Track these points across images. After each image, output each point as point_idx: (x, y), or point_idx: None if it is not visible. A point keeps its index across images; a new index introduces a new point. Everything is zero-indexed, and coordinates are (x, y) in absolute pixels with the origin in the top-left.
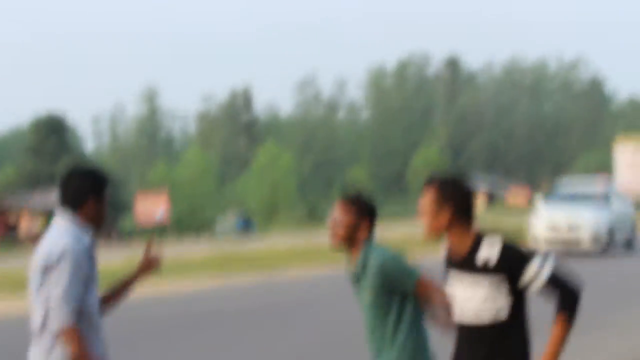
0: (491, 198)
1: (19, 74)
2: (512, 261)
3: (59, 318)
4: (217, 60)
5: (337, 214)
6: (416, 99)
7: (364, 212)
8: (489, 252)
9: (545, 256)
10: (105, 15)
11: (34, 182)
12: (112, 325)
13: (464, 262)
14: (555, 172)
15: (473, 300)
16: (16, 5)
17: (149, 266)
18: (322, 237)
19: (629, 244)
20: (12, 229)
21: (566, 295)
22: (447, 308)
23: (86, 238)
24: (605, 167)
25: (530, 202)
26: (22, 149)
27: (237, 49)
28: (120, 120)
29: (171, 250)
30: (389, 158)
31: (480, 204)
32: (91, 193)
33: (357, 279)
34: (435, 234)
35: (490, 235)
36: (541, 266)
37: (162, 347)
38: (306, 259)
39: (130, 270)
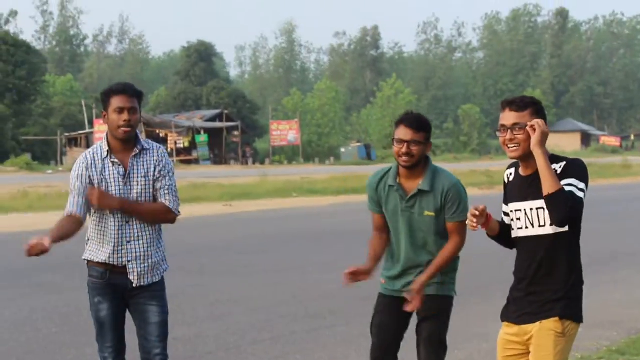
0: (586, 138)
1: (175, 4)
2: (568, 169)
3: None
4: (349, 0)
5: (409, 137)
6: (526, 44)
7: (429, 133)
8: (556, 166)
9: (584, 189)
10: None
11: (183, 102)
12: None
13: (535, 174)
14: None
15: (540, 212)
16: None
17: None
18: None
19: None
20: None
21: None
22: (457, 251)
23: (96, 148)
24: None
25: (622, 144)
26: (173, 72)
27: None
28: (261, 50)
29: (300, 171)
30: (498, 97)
31: (576, 143)
32: (103, 110)
33: (415, 194)
34: (524, 152)
35: (559, 156)
36: (575, 187)
37: (296, 252)
38: None
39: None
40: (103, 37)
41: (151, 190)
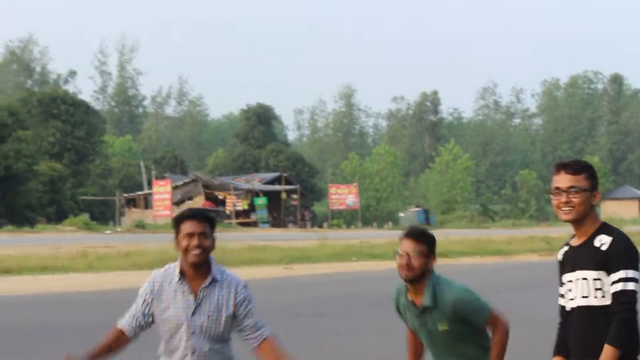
0: None
1: (233, 66)
2: (614, 255)
3: None
4: (407, 66)
5: (410, 249)
6: (583, 110)
7: (433, 246)
8: (604, 238)
9: (635, 276)
10: (310, 16)
11: (241, 165)
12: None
13: (584, 245)
14: None
15: (585, 283)
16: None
17: None
18: (492, 232)
19: None
20: (218, 206)
21: (623, 323)
22: (506, 336)
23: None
24: None
25: None
26: (232, 134)
27: (425, 57)
28: (319, 114)
29: (359, 235)
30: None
31: (634, 210)
32: (175, 236)
33: (423, 310)
34: (578, 215)
35: (613, 227)
36: (624, 280)
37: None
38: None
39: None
40: (161, 98)
41: (221, 324)
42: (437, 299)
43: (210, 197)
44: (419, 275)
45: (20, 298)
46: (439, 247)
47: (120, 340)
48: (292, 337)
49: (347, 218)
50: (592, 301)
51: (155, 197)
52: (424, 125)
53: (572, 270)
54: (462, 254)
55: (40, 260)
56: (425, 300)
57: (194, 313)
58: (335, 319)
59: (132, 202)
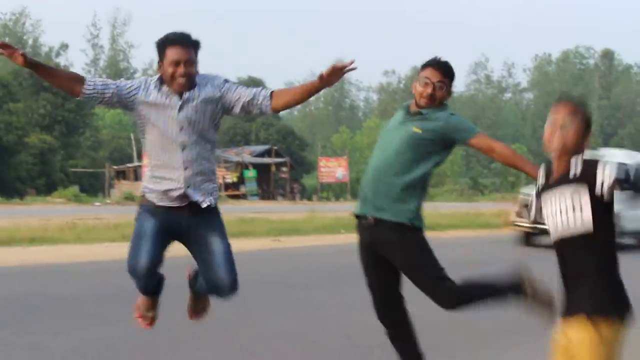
0: None
1: (224, 39)
2: (589, 169)
3: None
4: (399, 39)
5: (436, 78)
6: (574, 85)
7: (453, 81)
8: (576, 165)
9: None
10: None
11: (231, 137)
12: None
13: (561, 178)
14: None
15: (563, 212)
16: None
17: (333, 73)
18: (482, 205)
19: None
20: None
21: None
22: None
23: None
24: None
25: None
26: None
27: (416, 31)
28: None
29: (348, 208)
30: None
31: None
32: (158, 60)
33: (415, 114)
34: (566, 148)
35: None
36: (609, 169)
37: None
38: (465, 224)
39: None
40: (153, 71)
41: (207, 116)
42: (436, 111)
43: None
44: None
45: (8, 269)
46: (427, 220)
47: (71, 83)
48: (281, 308)
49: (337, 191)
50: None
51: (145, 170)
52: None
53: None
54: (451, 227)
55: (29, 231)
56: (425, 111)
57: (180, 109)
58: (324, 290)
59: (121, 175)
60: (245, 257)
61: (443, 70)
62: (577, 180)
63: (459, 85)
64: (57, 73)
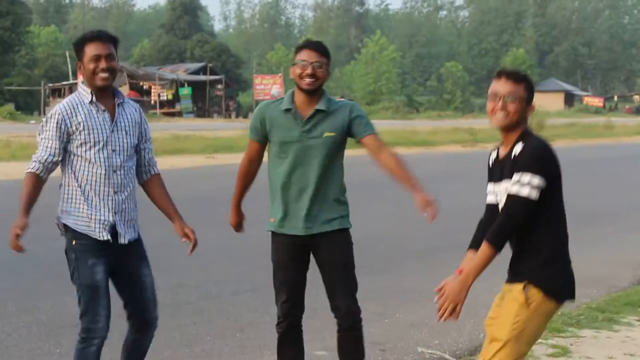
0: (569, 99)
1: None
2: (519, 159)
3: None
4: None
5: (313, 58)
6: (510, 3)
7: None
8: (519, 146)
9: (532, 180)
10: None
11: (167, 55)
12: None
13: (507, 156)
14: (628, 80)
15: (504, 192)
16: None
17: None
18: (417, 123)
19: None
20: (143, 96)
21: (502, 226)
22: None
23: (75, 97)
24: None
25: (605, 105)
26: (158, 25)
27: None
28: (246, 4)
29: None
30: (482, 55)
31: (559, 103)
32: (77, 60)
33: (314, 114)
34: (510, 122)
35: (530, 135)
36: (520, 183)
37: None
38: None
39: None
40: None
41: (133, 145)
42: (332, 103)
43: (134, 87)
44: (320, 86)
45: None
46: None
47: (40, 186)
48: (215, 226)
49: None
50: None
51: (80, 86)
52: (350, 17)
53: (499, 181)
54: (387, 145)
55: None
56: (320, 104)
57: (113, 131)
58: (257, 207)
59: (57, 92)
60: (179, 174)
61: (320, 50)
62: (512, 165)
63: (396, 3)
64: (35, 198)
